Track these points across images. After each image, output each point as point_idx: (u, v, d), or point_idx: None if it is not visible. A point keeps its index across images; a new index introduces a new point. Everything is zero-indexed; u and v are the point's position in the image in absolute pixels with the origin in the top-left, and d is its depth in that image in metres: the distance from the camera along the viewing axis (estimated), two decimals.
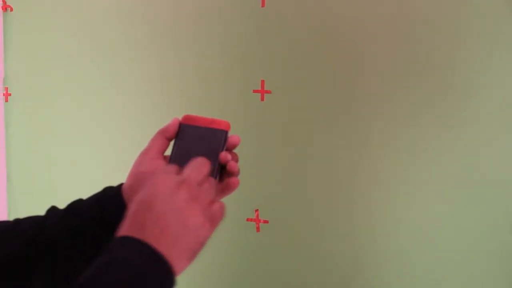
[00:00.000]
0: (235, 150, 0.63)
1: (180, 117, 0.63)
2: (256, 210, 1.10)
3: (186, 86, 1.13)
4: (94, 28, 1.18)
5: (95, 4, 1.17)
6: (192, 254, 0.49)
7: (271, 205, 1.09)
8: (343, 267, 1.06)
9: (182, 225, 0.48)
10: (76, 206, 0.59)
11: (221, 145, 0.60)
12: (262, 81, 1.07)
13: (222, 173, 0.61)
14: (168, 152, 0.62)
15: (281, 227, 1.09)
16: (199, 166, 0.54)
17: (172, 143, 0.62)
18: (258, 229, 1.10)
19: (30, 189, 1.27)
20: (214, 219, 0.52)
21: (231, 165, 0.60)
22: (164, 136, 0.61)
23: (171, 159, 0.60)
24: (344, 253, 1.06)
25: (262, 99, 1.07)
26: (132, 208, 0.49)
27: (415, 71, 0.98)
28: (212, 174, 0.57)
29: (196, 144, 0.60)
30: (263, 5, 1.05)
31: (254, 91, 1.07)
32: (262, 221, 1.10)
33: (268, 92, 1.07)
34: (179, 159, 0.59)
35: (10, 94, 1.24)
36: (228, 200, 1.12)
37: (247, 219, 1.11)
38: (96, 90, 1.19)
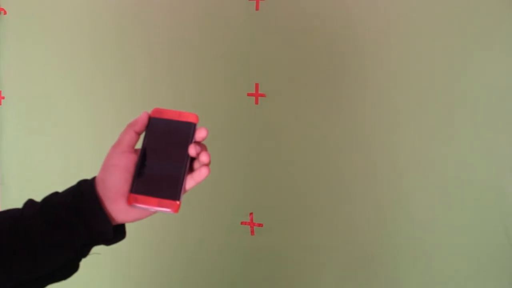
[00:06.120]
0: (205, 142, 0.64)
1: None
2: (251, 214, 1.10)
3: (181, 89, 1.13)
4: (89, 30, 1.18)
5: (90, 6, 1.17)
6: None
7: (266, 209, 1.09)
8: (339, 270, 1.06)
9: None
10: (53, 198, 0.62)
11: (190, 138, 0.61)
12: (257, 85, 1.07)
13: (191, 164, 0.62)
14: (139, 145, 0.63)
15: (276, 230, 1.09)
16: None
17: (143, 135, 0.63)
18: (252, 232, 1.10)
19: (24, 192, 1.26)
20: None
21: (203, 155, 0.61)
22: (133, 129, 0.62)
23: (141, 152, 0.61)
24: (340, 255, 1.06)
25: (257, 102, 1.07)
26: None
27: (411, 73, 0.98)
28: (182, 166, 0.60)
29: (166, 137, 0.62)
30: (257, 9, 1.06)
31: (249, 95, 1.07)
32: (256, 224, 1.10)
33: (262, 95, 1.07)
34: (149, 152, 0.61)
35: (3, 98, 1.24)
36: (223, 203, 1.12)
37: (242, 223, 1.10)
38: (91, 93, 1.19)
